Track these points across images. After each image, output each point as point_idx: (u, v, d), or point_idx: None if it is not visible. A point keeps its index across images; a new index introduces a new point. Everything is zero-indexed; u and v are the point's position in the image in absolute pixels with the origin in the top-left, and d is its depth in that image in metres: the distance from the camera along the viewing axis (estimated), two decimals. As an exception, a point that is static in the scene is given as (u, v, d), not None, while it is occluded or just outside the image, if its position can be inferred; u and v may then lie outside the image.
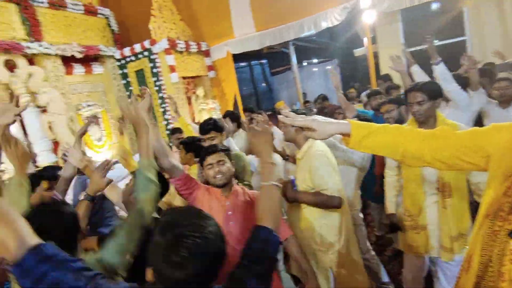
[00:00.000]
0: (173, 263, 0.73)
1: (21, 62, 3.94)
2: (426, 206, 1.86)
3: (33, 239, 0.72)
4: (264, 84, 10.86)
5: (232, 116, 3.28)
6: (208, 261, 0.76)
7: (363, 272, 2.01)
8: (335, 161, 1.91)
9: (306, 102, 6.40)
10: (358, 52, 8.00)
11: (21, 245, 0.69)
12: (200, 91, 5.87)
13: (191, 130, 3.30)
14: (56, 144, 4.24)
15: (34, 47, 4.07)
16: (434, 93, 1.81)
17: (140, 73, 5.30)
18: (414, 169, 1.86)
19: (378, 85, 4.44)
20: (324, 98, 5.17)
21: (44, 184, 1.87)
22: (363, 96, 5.45)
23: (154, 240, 0.77)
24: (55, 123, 4.20)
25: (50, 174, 1.93)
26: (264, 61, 10.60)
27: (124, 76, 5.41)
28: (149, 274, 0.78)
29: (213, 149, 1.73)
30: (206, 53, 6.00)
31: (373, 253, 2.48)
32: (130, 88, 5.43)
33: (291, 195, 1.87)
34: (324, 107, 4.82)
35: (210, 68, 6.09)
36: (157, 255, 0.75)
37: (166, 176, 1.68)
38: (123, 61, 5.35)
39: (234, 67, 6.24)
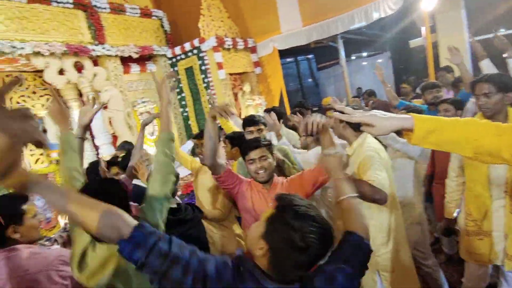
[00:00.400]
0: (297, 247, 0.83)
1: (87, 63, 4.35)
2: (492, 211, 1.69)
3: (133, 220, 0.84)
4: (310, 80, 10.66)
5: (276, 111, 3.28)
6: (324, 249, 0.87)
7: (414, 278, 1.89)
8: (388, 159, 1.81)
9: (355, 97, 6.15)
10: (414, 43, 7.45)
11: (128, 224, 0.81)
12: (246, 87, 5.95)
13: (231, 127, 3.33)
14: (115, 137, 4.61)
15: (98, 50, 4.46)
16: (505, 85, 1.62)
17: (189, 71, 5.54)
18: (480, 170, 1.69)
19: (438, 78, 4.07)
20: (370, 93, 4.91)
21: (113, 170, 2.27)
22: (419, 90, 5.07)
23: (282, 224, 0.86)
24: (114, 119, 4.58)
25: (123, 163, 2.24)
26: (310, 56, 10.37)
27: (175, 74, 5.69)
28: (262, 251, 0.87)
29: (256, 144, 1.74)
30: (253, 50, 6.06)
31: (434, 259, 2.29)
32: (180, 85, 5.69)
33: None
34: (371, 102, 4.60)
35: (257, 64, 6.14)
36: (282, 238, 0.85)
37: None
38: (174, 60, 5.62)
39: (280, 62, 6.21)
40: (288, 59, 8.93)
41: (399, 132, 1.02)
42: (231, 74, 5.67)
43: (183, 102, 5.78)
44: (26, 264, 1.33)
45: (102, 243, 1.20)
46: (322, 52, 9.10)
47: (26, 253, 1.35)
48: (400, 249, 1.81)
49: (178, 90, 5.75)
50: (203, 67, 5.32)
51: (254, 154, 1.71)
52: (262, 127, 2.44)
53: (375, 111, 1.00)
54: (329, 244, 0.89)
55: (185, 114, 5.82)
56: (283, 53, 6.26)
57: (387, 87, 3.42)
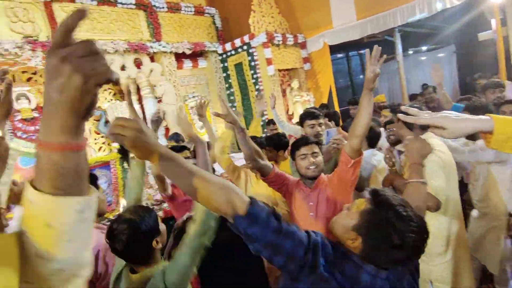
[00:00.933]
0: (395, 245, 0.85)
1: (145, 60, 4.65)
2: None
3: (245, 195, 0.88)
4: (362, 76, 10.19)
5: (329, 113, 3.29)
6: (421, 246, 0.88)
7: None
8: (452, 162, 1.66)
9: (413, 96, 5.70)
10: (483, 36, 6.70)
11: (243, 201, 0.85)
12: (295, 83, 5.89)
13: (257, 129, 3.35)
14: (167, 130, 4.87)
15: (155, 47, 4.74)
16: None
17: (239, 66, 5.63)
18: None
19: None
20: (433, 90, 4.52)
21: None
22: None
23: (381, 222, 0.88)
24: (167, 112, 4.83)
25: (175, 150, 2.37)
26: (363, 51, 9.89)
27: (225, 69, 5.83)
28: (355, 243, 0.91)
29: (308, 140, 1.73)
30: (302, 45, 5.96)
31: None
32: (229, 80, 5.82)
33: (399, 183, 1.74)
34: (432, 99, 4.25)
35: (306, 60, 6.03)
36: (380, 236, 0.87)
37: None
38: (224, 56, 5.75)
39: (331, 58, 6.02)
40: (339, 55, 8.61)
41: (473, 136, 0.93)
42: (279, 70, 5.65)
43: (232, 98, 5.91)
44: (98, 238, 1.48)
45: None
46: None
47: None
48: (459, 260, 1.65)
49: (227, 85, 5.88)
50: (252, 63, 5.37)
51: (305, 150, 1.72)
52: (322, 121, 2.39)
53: (447, 112, 0.91)
54: (425, 241, 0.89)
55: (233, 109, 5.94)
56: (333, 49, 6.05)
57: (442, 90, 3.15)
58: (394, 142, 2.50)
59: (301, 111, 5.31)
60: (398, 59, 6.32)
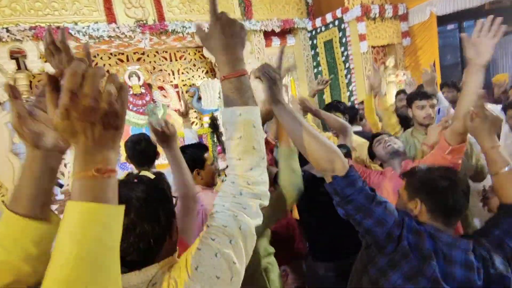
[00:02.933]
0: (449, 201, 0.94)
1: (236, 38, 4.80)
2: None
3: (346, 160, 0.99)
4: (475, 52, 8.55)
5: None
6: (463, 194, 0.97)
7: None
8: None
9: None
10: None
11: (344, 164, 0.95)
12: (390, 61, 5.32)
13: (376, 121, 2.86)
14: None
15: (245, 25, 4.82)
16: None
17: (328, 44, 5.34)
18: None
19: None
20: None
21: None
22: None
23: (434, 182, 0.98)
24: (257, 89, 4.95)
25: None
26: (483, 20, 8.23)
27: (313, 47, 5.61)
28: (417, 208, 0.99)
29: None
30: (403, 17, 5.29)
31: None
32: (318, 58, 5.59)
33: None
34: None
35: (405, 34, 5.35)
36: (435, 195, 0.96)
37: None
38: (313, 32, 5.52)
39: (438, 31, 5.21)
40: (449, 27, 7.37)
41: None
42: (373, 47, 5.17)
43: (319, 76, 5.70)
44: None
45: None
46: (502, 16, 7.06)
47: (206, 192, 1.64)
48: None
49: (315, 64, 5.68)
50: (343, 40, 5.03)
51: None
52: (436, 101, 2.14)
53: None
54: (464, 191, 0.97)
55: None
56: (441, 20, 5.21)
57: None
58: None
59: (395, 91, 4.81)
60: (531, 30, 5.09)
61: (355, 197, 0.92)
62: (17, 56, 3.73)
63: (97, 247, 0.42)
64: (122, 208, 0.48)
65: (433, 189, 0.96)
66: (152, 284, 0.60)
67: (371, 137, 1.92)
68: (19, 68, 3.75)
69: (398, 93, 3.79)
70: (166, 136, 1.18)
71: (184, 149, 1.60)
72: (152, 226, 0.64)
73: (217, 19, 0.68)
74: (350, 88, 5.11)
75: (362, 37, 4.78)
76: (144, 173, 0.72)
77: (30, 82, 3.99)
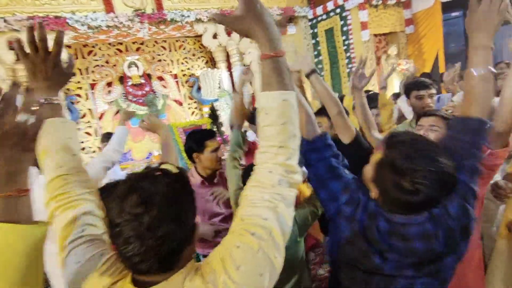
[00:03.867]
0: (404, 190, 0.78)
1: (235, 27, 4.74)
2: None
3: (318, 129, 0.99)
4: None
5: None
6: (439, 189, 0.78)
7: None
8: None
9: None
10: None
11: (315, 131, 0.97)
12: (392, 50, 5.25)
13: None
14: (253, 97, 4.99)
15: (245, 13, 4.76)
16: None
17: (329, 32, 5.26)
18: None
19: None
20: None
21: None
22: None
23: (385, 165, 0.83)
24: (254, 79, 4.92)
25: None
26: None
27: (314, 35, 5.53)
28: (374, 193, 0.87)
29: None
30: (406, 4, 5.18)
31: None
32: (318, 48, 5.52)
33: None
34: None
35: (409, 22, 5.25)
36: (387, 181, 0.81)
37: None
38: (314, 21, 5.43)
39: (442, 18, 5.11)
40: (454, 14, 7.22)
41: None
42: (375, 35, 5.09)
43: (320, 66, 5.63)
44: None
45: None
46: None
47: None
48: None
49: (315, 53, 5.60)
50: (344, 28, 4.95)
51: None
52: (434, 91, 2.07)
53: None
54: (447, 189, 0.80)
55: (321, 77, 5.68)
56: (446, 6, 5.10)
57: None
58: None
59: (397, 82, 4.76)
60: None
61: (315, 164, 0.93)
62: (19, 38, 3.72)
63: None
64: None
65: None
66: None
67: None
68: (18, 59, 3.74)
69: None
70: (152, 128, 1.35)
71: (192, 132, 1.81)
72: (177, 226, 0.56)
73: None
74: (351, 77, 5.05)
75: (363, 25, 4.70)
76: (166, 166, 0.62)
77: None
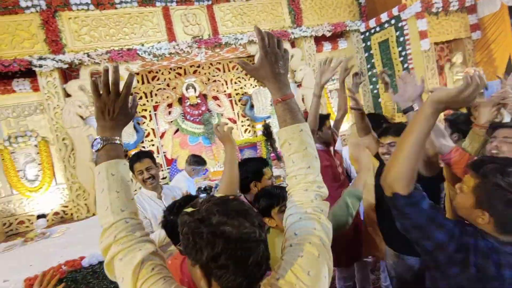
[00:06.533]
0: None
1: (286, 46, 4.83)
2: None
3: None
4: None
5: None
6: None
7: None
8: None
9: None
10: None
11: (412, 182, 0.88)
12: (457, 57, 4.87)
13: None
14: (306, 113, 4.97)
15: (296, 32, 4.85)
16: None
17: (383, 44, 5.09)
18: None
19: None
20: None
21: None
22: None
23: (488, 187, 0.85)
24: (306, 96, 4.92)
25: None
26: None
27: (367, 48, 5.39)
28: (481, 219, 0.87)
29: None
30: (471, 9, 4.81)
31: None
32: (372, 60, 5.36)
33: None
34: None
35: (475, 27, 4.85)
36: (496, 199, 0.83)
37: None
38: (367, 34, 5.31)
39: (511, 22, 4.63)
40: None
41: None
42: (436, 44, 4.78)
43: (374, 79, 5.44)
44: None
45: None
46: None
47: None
48: None
49: (369, 66, 5.44)
50: (401, 39, 4.75)
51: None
52: None
53: None
54: None
55: (375, 91, 5.47)
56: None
57: None
58: None
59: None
60: None
61: (414, 216, 0.88)
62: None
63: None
64: None
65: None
66: None
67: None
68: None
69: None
70: (221, 138, 1.32)
71: (246, 161, 1.70)
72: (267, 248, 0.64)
73: (266, 53, 0.78)
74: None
75: (423, 34, 4.46)
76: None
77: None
